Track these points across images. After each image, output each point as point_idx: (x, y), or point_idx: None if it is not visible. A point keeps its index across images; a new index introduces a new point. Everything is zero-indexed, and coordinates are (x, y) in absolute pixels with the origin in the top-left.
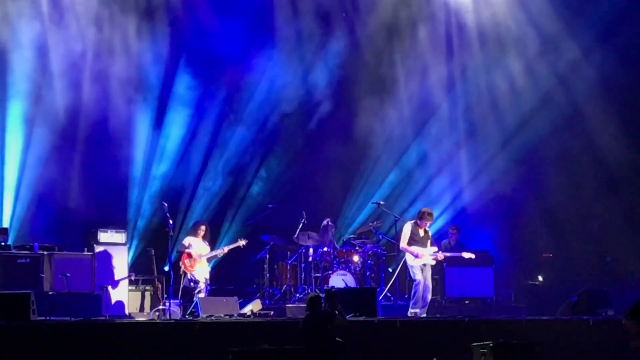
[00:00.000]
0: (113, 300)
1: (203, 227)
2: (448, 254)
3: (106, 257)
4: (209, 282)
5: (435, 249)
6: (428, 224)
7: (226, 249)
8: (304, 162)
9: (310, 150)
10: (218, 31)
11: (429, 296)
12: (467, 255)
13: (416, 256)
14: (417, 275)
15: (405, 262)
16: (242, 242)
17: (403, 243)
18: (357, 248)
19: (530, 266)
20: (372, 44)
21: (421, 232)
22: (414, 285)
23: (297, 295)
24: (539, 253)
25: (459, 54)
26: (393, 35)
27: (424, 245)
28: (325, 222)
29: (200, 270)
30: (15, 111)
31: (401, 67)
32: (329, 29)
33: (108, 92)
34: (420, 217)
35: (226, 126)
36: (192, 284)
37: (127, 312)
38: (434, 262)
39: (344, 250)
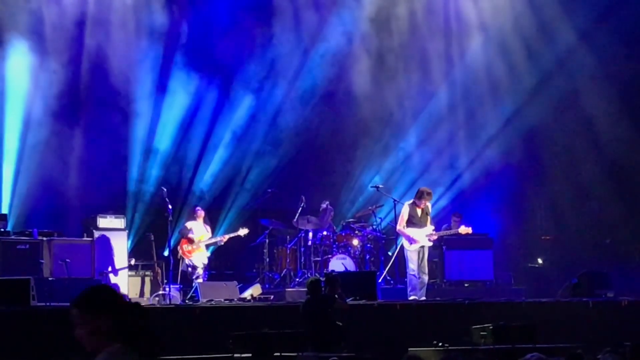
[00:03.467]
0: (113, 286)
1: (200, 211)
2: (443, 233)
3: (106, 243)
4: (207, 268)
5: (432, 227)
6: (426, 203)
7: (226, 237)
8: (303, 146)
9: (310, 133)
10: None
11: (426, 278)
12: (463, 230)
13: (412, 241)
14: (412, 264)
15: (402, 246)
16: (243, 232)
17: (399, 225)
18: (356, 232)
19: (529, 248)
20: (371, 29)
21: (419, 212)
22: (408, 274)
23: (297, 279)
24: (538, 235)
25: (457, 36)
26: (391, 19)
27: (422, 225)
28: (324, 205)
29: (198, 256)
30: (14, 97)
31: (400, 51)
32: (328, 13)
33: (107, 73)
34: (419, 196)
35: (225, 110)
36: (190, 269)
37: (127, 297)
38: (430, 244)
39: (343, 234)
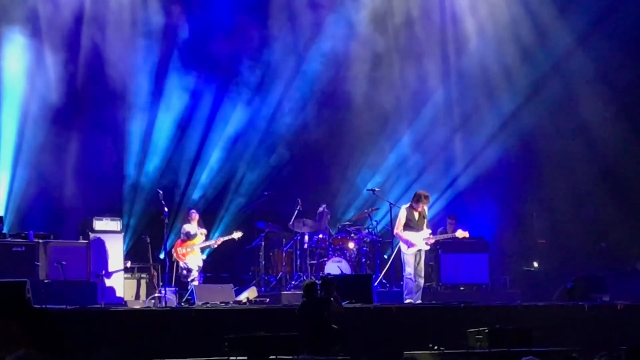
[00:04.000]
0: (108, 288)
1: (195, 214)
2: (440, 237)
3: (101, 245)
4: (202, 270)
5: (429, 231)
6: (424, 207)
7: (220, 240)
8: (300, 148)
9: (306, 136)
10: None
11: (422, 281)
12: (460, 234)
13: (410, 245)
14: (408, 267)
15: (399, 249)
16: (237, 235)
17: (397, 229)
18: (352, 235)
19: (525, 252)
20: (369, 30)
21: (416, 216)
22: (404, 277)
23: (293, 282)
24: (534, 239)
25: (453, 39)
26: (387, 22)
27: (419, 229)
28: (321, 209)
29: (192, 259)
30: (10, 97)
31: (396, 53)
32: (322, 16)
33: (104, 74)
34: (417, 200)
35: (222, 112)
36: (185, 272)
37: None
38: (428, 247)
39: (339, 237)
